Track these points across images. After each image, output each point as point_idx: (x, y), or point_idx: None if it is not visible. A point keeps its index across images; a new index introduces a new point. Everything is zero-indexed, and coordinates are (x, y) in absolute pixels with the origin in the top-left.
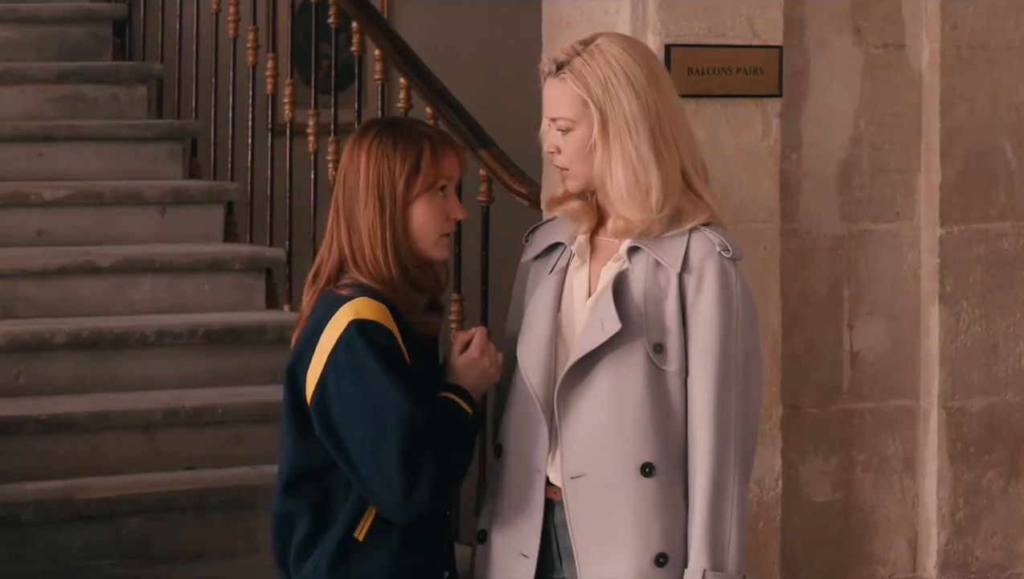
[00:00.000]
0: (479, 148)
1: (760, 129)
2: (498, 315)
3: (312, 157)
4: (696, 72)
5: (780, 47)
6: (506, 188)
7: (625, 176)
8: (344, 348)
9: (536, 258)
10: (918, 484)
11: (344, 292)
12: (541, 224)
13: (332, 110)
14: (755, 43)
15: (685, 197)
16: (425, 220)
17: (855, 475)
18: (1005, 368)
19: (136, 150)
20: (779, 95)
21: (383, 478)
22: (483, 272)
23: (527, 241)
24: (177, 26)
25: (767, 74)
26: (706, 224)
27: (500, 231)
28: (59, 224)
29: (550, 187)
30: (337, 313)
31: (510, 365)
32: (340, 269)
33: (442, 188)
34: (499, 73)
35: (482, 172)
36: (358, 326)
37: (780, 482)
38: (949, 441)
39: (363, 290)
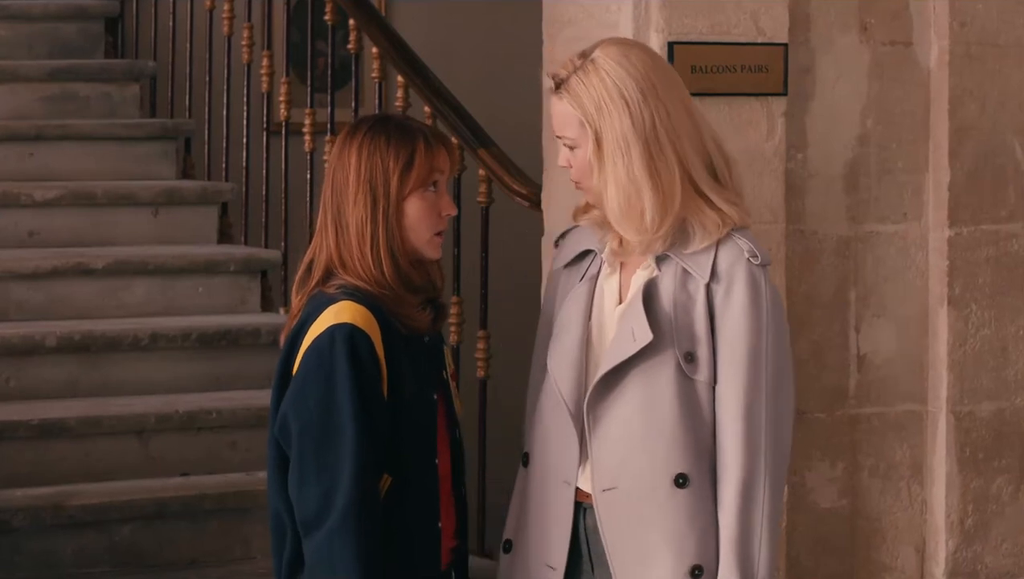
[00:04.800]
0: (479, 148)
1: (765, 128)
2: (497, 317)
3: (308, 157)
4: (699, 70)
5: (785, 45)
6: (506, 188)
7: (618, 198)
8: (317, 352)
9: (567, 266)
10: (926, 490)
11: (331, 292)
12: (571, 229)
13: (329, 109)
14: (760, 41)
15: (693, 207)
16: (419, 217)
17: (862, 481)
18: (1015, 372)
19: (129, 150)
20: (784, 94)
21: (303, 482)
22: (483, 273)
23: (557, 246)
24: (170, 23)
25: (772, 72)
26: (735, 229)
27: (500, 232)
28: (50, 225)
29: (550, 188)
30: (320, 316)
31: (541, 374)
32: (328, 269)
33: (434, 183)
34: (499, 73)
35: (482, 172)
36: (335, 331)
37: (785, 488)
38: (958, 446)
39: (350, 292)
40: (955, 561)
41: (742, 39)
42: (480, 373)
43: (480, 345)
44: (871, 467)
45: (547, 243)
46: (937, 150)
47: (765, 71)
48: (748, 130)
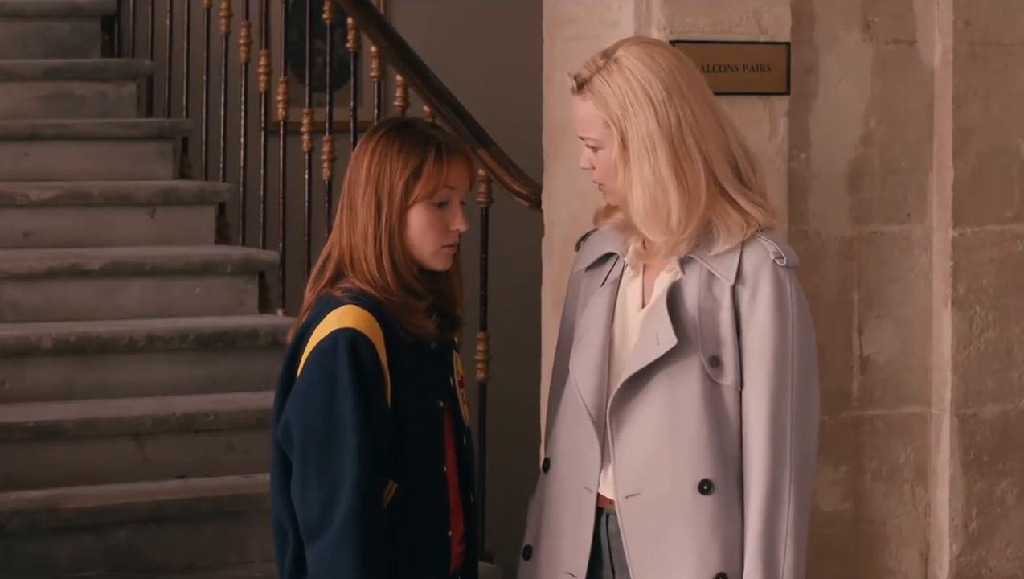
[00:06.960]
0: (479, 148)
1: (767, 128)
2: (497, 318)
3: (306, 157)
4: (701, 69)
5: (788, 43)
6: (506, 188)
7: (643, 198)
8: (320, 357)
9: (588, 268)
10: (930, 493)
11: (338, 295)
12: (592, 232)
13: (327, 108)
14: (762, 39)
15: (717, 208)
16: (422, 228)
17: (865, 484)
18: (1019, 374)
19: (125, 149)
20: (787, 93)
21: (306, 488)
22: (482, 274)
23: (578, 249)
24: (167, 22)
25: (775, 71)
26: (761, 230)
27: (500, 232)
28: (46, 226)
29: (550, 188)
30: (324, 320)
31: (562, 378)
32: (339, 268)
33: (442, 202)
34: (499, 73)
35: (482, 172)
36: (339, 336)
37: None
38: (962, 449)
39: (355, 296)
40: (959, 565)
41: (744, 38)
42: (480, 375)
43: (480, 346)
44: (874, 470)
45: (547, 243)
46: (941, 150)
47: (768, 70)
48: (750, 130)
